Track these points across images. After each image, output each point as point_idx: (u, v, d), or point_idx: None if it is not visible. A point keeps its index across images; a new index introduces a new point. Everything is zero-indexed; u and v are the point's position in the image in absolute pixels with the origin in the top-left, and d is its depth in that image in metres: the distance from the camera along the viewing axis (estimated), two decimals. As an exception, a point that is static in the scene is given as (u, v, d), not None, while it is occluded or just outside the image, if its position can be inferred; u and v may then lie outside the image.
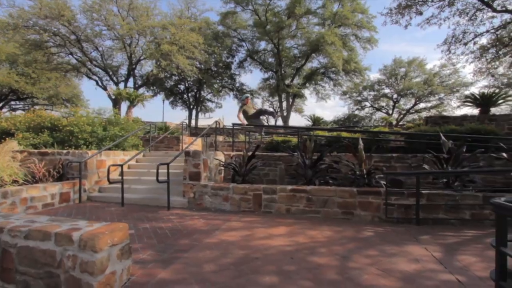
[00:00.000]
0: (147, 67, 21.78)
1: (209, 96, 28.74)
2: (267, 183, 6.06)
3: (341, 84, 26.00)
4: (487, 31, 7.10)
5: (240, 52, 26.61)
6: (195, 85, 26.47)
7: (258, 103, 41.01)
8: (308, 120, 20.75)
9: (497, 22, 7.54)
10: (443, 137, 4.89)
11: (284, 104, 25.28)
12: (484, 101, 11.66)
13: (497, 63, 10.32)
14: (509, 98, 15.79)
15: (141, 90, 22.24)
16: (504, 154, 4.72)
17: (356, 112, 30.32)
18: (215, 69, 25.98)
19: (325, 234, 3.60)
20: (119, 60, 21.41)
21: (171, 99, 27.74)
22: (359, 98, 29.85)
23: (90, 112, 9.48)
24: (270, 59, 25.76)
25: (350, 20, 21.09)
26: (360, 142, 5.13)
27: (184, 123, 11.02)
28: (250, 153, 5.93)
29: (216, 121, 8.88)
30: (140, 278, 2.35)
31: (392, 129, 14.18)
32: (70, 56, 19.38)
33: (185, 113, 28.66)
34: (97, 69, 20.50)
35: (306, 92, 27.25)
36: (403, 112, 27.95)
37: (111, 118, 8.79)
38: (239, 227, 3.94)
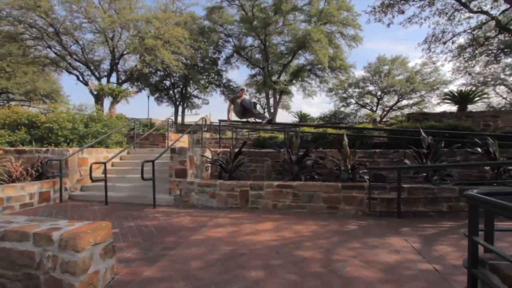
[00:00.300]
0: (130, 62, 21.20)
1: (195, 92, 28.37)
2: (254, 179, 6.09)
3: (327, 81, 26.34)
4: (464, 31, 7.43)
5: (226, 47, 26.40)
6: (181, 81, 26.04)
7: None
8: (295, 117, 20.93)
9: (473, 22, 7.90)
10: (423, 133, 5.08)
11: (271, 100, 25.35)
12: (461, 99, 12.17)
13: (474, 62, 10.82)
14: (485, 96, 16.57)
15: (125, 86, 21.60)
16: (479, 149, 4.97)
17: (342, 109, 30.87)
18: (202, 64, 25.63)
19: (311, 229, 3.67)
20: (101, 54, 20.72)
21: (157, 95, 27.17)
22: (344, 95, 30.38)
23: (71, 108, 9.15)
24: (257, 55, 25.70)
25: (336, 17, 21.34)
26: (345, 138, 5.24)
27: (170, 120, 10.84)
28: (236, 150, 5.92)
29: (202, 118, 8.78)
30: (125, 276, 2.32)
31: (376, 126, 14.56)
32: (48, 49, 18.50)
33: (171, 110, 28.12)
34: (77, 63, 19.71)
35: (293, 88, 27.46)
36: (387, 109, 28.71)
37: (93, 115, 8.51)
38: (226, 224, 3.94)
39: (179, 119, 27.12)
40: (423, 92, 26.68)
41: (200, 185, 5.16)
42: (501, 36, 8.81)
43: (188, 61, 23.02)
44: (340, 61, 22.94)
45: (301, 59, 25.15)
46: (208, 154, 6.64)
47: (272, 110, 24.98)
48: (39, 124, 7.06)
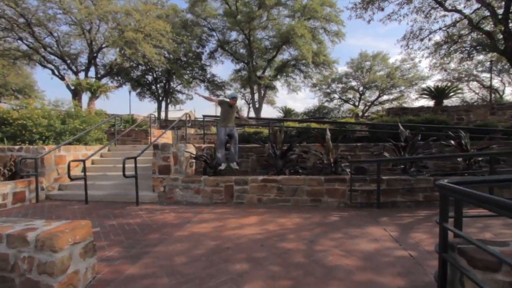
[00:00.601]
0: (110, 55, 20.35)
1: (179, 88, 27.78)
2: (239, 175, 6.08)
3: (311, 76, 26.60)
4: (440, 29, 7.74)
5: (210, 42, 25.96)
6: (164, 76, 25.38)
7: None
8: (280, 112, 21.05)
9: (448, 20, 8.24)
10: (401, 127, 5.28)
11: (256, 96, 25.32)
12: (438, 94, 12.71)
13: (449, 58, 11.32)
14: (459, 91, 17.37)
15: (104, 81, 20.79)
16: (452, 142, 5.24)
17: (326, 104, 31.34)
18: (185, 59, 25.09)
19: (294, 221, 3.75)
20: (78, 47, 19.72)
21: (138, 90, 26.37)
22: (328, 90, 30.85)
23: (46, 104, 8.71)
24: (241, 50, 25.47)
25: (319, 13, 21.49)
26: (328, 132, 5.35)
27: (152, 116, 10.59)
28: (221, 145, 5.89)
29: (186, 113, 8.64)
30: (107, 275, 2.28)
31: (358, 120, 14.95)
32: (20, 41, 17.42)
33: (154, 105, 27.40)
34: (52, 56, 18.69)
35: (278, 84, 27.53)
36: (368, 103, 29.47)
37: (70, 111, 8.16)
38: (211, 219, 3.95)
39: (163, 115, 26.52)
40: (402, 88, 27.57)
41: (185, 181, 5.12)
42: (473, 34, 9.25)
43: (171, 56, 22.45)
44: (323, 57, 23.20)
45: (285, 54, 25.21)
46: (192, 150, 6.57)
47: (257, 106, 24.98)
48: (11, 120, 6.69)
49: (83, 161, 5.23)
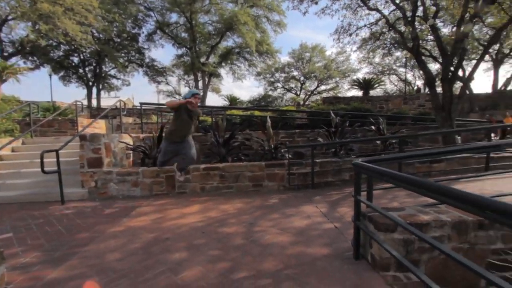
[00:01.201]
0: (20, 30, 16.97)
1: (113, 72, 24.98)
2: (181, 165, 5.93)
3: (255, 65, 26.89)
4: (365, 26, 8.68)
5: (148, 23, 23.77)
6: (93, 58, 22.38)
7: (172, 81, 38.28)
8: (225, 100, 20.93)
9: (372, 19, 9.26)
10: (332, 114, 5.84)
11: (200, 83, 24.53)
12: (365, 85, 14.33)
13: (373, 54, 12.83)
14: (382, 83, 19.78)
15: (14, 60, 17.35)
16: (373, 127, 6.03)
17: (270, 93, 32.27)
18: (119, 40, 22.56)
19: (236, 206, 3.87)
20: (-28, 17, 15.88)
21: (62, 73, 22.79)
22: (272, 79, 31.74)
23: None
24: (183, 34, 24.09)
25: (262, 1, 21.63)
26: (268, 120, 5.57)
27: (79, 103, 9.36)
28: (157, 134, 5.61)
29: (120, 100, 7.90)
30: (22, 283, 2.01)
31: (299, 108, 15.88)
32: None
33: (84, 91, 24.09)
34: None
35: (222, 71, 27.11)
36: (309, 93, 31.40)
37: (-36, 96, 6.63)
38: (150, 211, 3.78)
39: (94, 102, 23.65)
40: (337, 79, 30.11)
41: (120, 174, 4.75)
42: (392, 33, 10.57)
43: (101, 35, 19.92)
44: (266, 46, 23.60)
45: (229, 41, 24.81)
46: (128, 140, 6.09)
47: (201, 93, 24.26)
48: None
49: (-14, 157, 4.37)
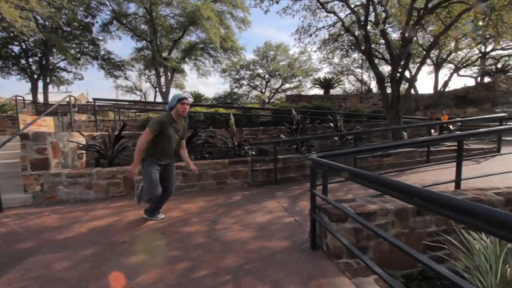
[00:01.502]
0: None
1: (63, 64, 22.69)
2: (141, 164, 5.66)
3: (220, 61, 26.54)
4: (324, 27, 9.11)
5: (103, 12, 21.95)
6: (38, 48, 20.07)
7: (132, 76, 36.19)
8: (190, 97, 20.29)
9: (330, 21, 9.74)
10: (293, 112, 6.04)
11: (163, 79, 23.50)
12: (326, 84, 15.04)
13: (333, 54, 13.54)
14: (341, 82, 20.90)
15: None
16: (332, 124, 6.37)
17: (236, 90, 32.19)
18: (69, 29, 20.53)
19: (199, 205, 3.82)
20: None
21: (-1, 64, 20.07)
22: (237, 77, 31.67)
23: None
24: (143, 26, 22.77)
25: (225, -4, 21.38)
26: (231, 117, 5.57)
27: (20, 98, 8.36)
28: (117, 132, 5.29)
29: (70, 96, 7.21)
30: None
31: (264, 106, 16.10)
32: None
33: (28, 85, 21.45)
34: None
35: (186, 67, 26.29)
36: (274, 91, 31.98)
37: None
38: (106, 215, 3.56)
39: (41, 97, 21.29)
40: (300, 77, 31.10)
41: (71, 176, 4.38)
42: (349, 36, 11.21)
43: (47, 23, 17.94)
44: (231, 42, 23.42)
45: (193, 36, 24.10)
46: (81, 139, 5.64)
47: (164, 90, 23.27)
48: None
49: None
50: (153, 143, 2.97)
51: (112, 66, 24.08)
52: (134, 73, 26.75)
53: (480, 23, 7.85)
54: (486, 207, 0.85)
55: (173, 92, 25.00)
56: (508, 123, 6.33)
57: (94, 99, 7.44)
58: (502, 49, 17.79)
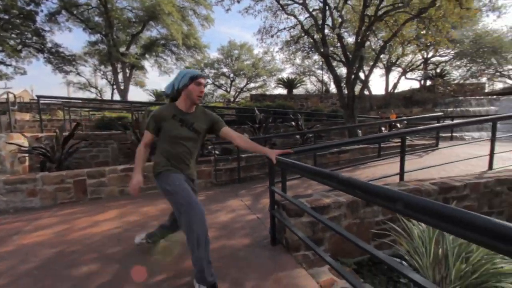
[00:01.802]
0: None
1: (0, 57, 20.01)
2: (96, 166, 5.28)
3: (183, 59, 25.74)
4: (284, 29, 9.37)
5: (49, 0, 19.87)
6: (-35, 37, 17.47)
7: (85, 71, 33.60)
8: (151, 95, 19.45)
9: (290, 23, 10.06)
10: (256, 111, 6.13)
11: (121, 76, 22.06)
12: (289, 84, 15.47)
13: (295, 55, 13.98)
14: (303, 82, 21.65)
15: None
16: (293, 123, 6.60)
17: (200, 89, 31.44)
18: (6, 17, 18.18)
19: (160, 207, 3.69)
20: None
21: None
22: (201, 75, 30.97)
23: None
24: (96, 18, 21.08)
25: (187, -8, 20.78)
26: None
27: None
28: (67, 133, 4.85)
29: (8, 92, 6.41)
30: None
31: (229, 105, 16.02)
32: None
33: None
34: None
35: (147, 64, 25.08)
36: (238, 90, 31.98)
37: None
38: (52, 223, 3.25)
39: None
40: (265, 77, 31.55)
41: (9, 183, 3.91)
42: (309, 38, 11.69)
43: (-23, 9, 15.67)
44: (194, 40, 22.85)
45: (153, 32, 23.00)
46: (22, 141, 5.06)
47: (122, 87, 21.86)
48: None
49: None
50: (161, 149, 1.99)
51: (61, 60, 21.89)
52: (88, 68, 24.79)
53: (422, 32, 8.76)
54: (391, 190, 0.99)
55: (134, 89, 23.63)
56: (444, 121, 7.17)
57: (38, 97, 6.71)
58: (440, 56, 20.11)
